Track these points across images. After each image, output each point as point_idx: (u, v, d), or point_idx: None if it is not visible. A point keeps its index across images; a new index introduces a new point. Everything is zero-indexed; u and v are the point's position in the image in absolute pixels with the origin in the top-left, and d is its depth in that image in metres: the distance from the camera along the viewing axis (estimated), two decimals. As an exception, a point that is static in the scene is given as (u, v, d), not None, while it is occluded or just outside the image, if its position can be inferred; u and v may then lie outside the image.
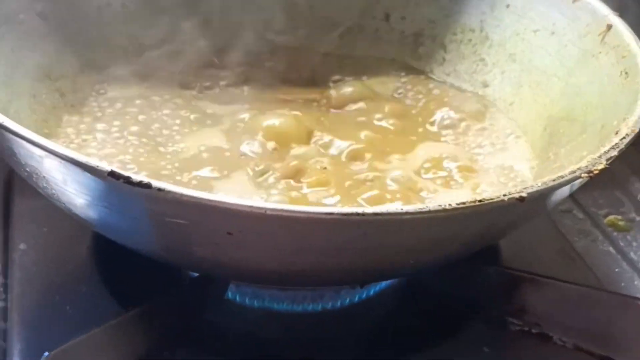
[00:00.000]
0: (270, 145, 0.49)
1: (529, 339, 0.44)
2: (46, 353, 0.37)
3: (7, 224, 0.52)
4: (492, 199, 0.35)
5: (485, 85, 0.55)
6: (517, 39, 0.54)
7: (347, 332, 0.47)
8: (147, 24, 0.55)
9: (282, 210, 0.33)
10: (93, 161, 0.34)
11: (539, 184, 0.36)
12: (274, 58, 0.57)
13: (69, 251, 0.49)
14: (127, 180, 0.33)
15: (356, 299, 0.47)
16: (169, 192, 0.33)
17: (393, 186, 0.46)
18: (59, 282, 0.47)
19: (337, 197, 0.45)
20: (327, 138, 0.50)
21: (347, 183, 0.46)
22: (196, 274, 0.46)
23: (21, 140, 0.35)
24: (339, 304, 0.47)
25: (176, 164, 0.47)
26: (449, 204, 0.34)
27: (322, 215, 0.33)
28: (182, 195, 0.33)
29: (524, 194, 0.35)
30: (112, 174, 0.33)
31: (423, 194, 0.46)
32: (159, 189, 0.33)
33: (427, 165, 0.48)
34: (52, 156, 0.34)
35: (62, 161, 0.34)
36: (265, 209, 0.33)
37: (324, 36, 0.58)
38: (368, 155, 0.48)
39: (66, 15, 0.52)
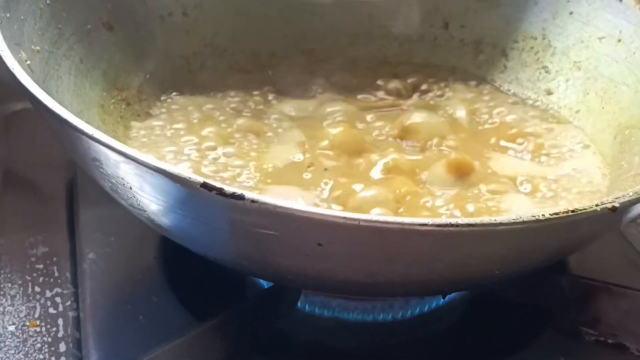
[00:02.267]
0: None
1: (605, 349, 0.44)
2: (130, 364, 0.37)
3: (72, 233, 0.52)
4: (584, 209, 0.34)
5: (549, 93, 0.55)
6: (582, 46, 0.53)
7: (417, 342, 0.46)
8: (209, 33, 0.55)
9: (375, 221, 0.33)
10: (185, 172, 0.34)
11: (631, 194, 0.36)
12: (339, 68, 0.57)
13: (137, 260, 0.49)
14: (220, 191, 0.33)
15: (426, 308, 0.47)
16: (262, 203, 0.33)
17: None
18: (130, 291, 0.47)
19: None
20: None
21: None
22: (268, 284, 0.46)
23: (110, 151, 0.35)
24: (408, 313, 0.46)
25: (245, 171, 0.47)
26: (542, 215, 0.34)
27: (416, 227, 0.33)
28: (275, 206, 0.33)
29: (616, 204, 0.35)
30: (205, 185, 0.33)
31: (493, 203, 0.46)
32: (252, 200, 0.33)
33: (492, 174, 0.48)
34: (141, 167, 0.34)
35: (152, 172, 0.34)
36: (359, 220, 0.33)
37: (383, 45, 0.58)
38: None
39: (130, 25, 0.52)
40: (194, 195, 0.34)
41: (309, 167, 0.48)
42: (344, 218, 0.33)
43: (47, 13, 0.46)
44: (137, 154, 0.34)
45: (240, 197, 0.33)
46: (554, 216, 0.34)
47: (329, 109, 0.53)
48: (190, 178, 0.33)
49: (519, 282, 0.45)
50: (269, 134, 0.51)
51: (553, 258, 0.40)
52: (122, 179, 0.36)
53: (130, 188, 0.36)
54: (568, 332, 0.45)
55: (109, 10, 0.51)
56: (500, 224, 0.33)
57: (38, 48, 0.44)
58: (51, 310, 0.46)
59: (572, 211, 0.34)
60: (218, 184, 0.33)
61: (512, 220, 0.33)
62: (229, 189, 0.33)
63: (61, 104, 0.42)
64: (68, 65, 0.46)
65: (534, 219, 0.34)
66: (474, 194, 0.46)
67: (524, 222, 0.33)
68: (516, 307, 0.46)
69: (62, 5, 0.47)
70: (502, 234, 0.34)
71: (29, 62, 0.42)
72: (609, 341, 0.44)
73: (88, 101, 0.47)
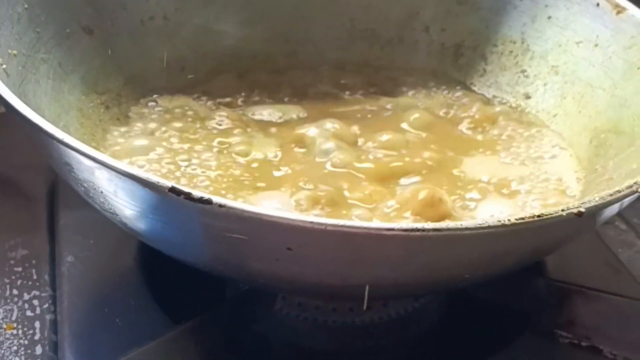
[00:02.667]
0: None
1: (579, 351, 0.44)
2: (104, 367, 0.37)
3: (52, 236, 0.52)
4: (550, 214, 0.35)
5: (528, 97, 0.55)
6: (560, 50, 0.54)
7: (395, 344, 0.47)
8: (190, 36, 0.56)
9: (343, 225, 0.33)
10: (153, 177, 0.34)
11: (597, 199, 0.36)
12: (320, 71, 0.57)
13: (116, 263, 0.49)
14: (188, 196, 0.33)
15: (402, 310, 0.47)
16: (230, 208, 0.33)
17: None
18: (108, 294, 0.47)
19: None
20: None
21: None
22: (244, 286, 0.46)
23: (81, 156, 0.35)
24: (385, 315, 0.47)
25: (225, 175, 0.47)
26: (508, 220, 0.34)
27: (383, 231, 0.33)
28: (243, 211, 0.33)
29: (582, 209, 0.35)
30: (173, 189, 0.33)
31: (472, 205, 0.46)
32: (220, 205, 0.33)
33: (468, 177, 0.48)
34: (111, 172, 0.35)
35: (121, 177, 0.34)
36: (326, 225, 0.33)
37: (365, 48, 0.59)
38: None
39: (110, 29, 0.52)
40: (164, 200, 0.34)
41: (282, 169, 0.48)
42: (311, 222, 0.33)
43: (25, 17, 0.46)
44: (106, 158, 0.34)
45: (208, 202, 0.33)
46: (520, 221, 0.34)
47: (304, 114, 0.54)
48: (158, 183, 0.34)
49: (497, 285, 0.46)
50: (251, 137, 0.52)
51: (524, 261, 0.40)
52: (94, 183, 0.36)
53: (102, 192, 0.37)
54: (544, 335, 0.45)
55: (88, 14, 0.51)
56: (467, 228, 0.34)
57: (15, 52, 0.44)
58: (28, 313, 0.46)
59: (538, 216, 0.34)
60: (186, 189, 0.33)
61: (478, 225, 0.34)
62: (197, 193, 0.33)
63: (38, 108, 0.43)
64: (46, 69, 0.47)
65: (499, 224, 0.34)
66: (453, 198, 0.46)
67: (489, 227, 0.34)
68: (494, 310, 0.47)
69: (40, 10, 0.47)
70: (468, 238, 0.34)
71: (4, 66, 0.42)
72: (583, 344, 0.44)
73: (66, 105, 0.48)
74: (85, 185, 0.37)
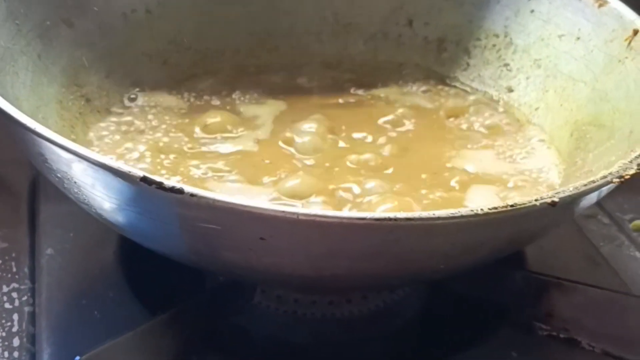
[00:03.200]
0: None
1: (557, 343, 0.44)
2: (77, 357, 0.37)
3: (33, 229, 0.52)
4: (523, 203, 0.34)
5: (510, 90, 0.55)
6: (542, 44, 0.54)
7: (373, 336, 0.46)
8: (172, 30, 0.56)
9: (314, 215, 0.33)
10: (125, 166, 0.34)
11: (571, 189, 0.36)
12: (303, 66, 0.57)
13: (95, 256, 0.49)
14: (160, 185, 0.33)
15: (382, 303, 0.47)
16: (202, 197, 0.33)
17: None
18: (87, 286, 0.47)
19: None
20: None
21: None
22: (223, 279, 0.46)
23: (53, 146, 0.35)
24: (365, 308, 0.47)
25: (205, 169, 0.47)
26: (481, 209, 0.34)
27: (355, 220, 0.33)
28: (214, 200, 0.33)
29: (555, 199, 0.35)
30: (145, 179, 0.33)
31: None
32: (192, 194, 0.33)
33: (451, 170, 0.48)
34: (83, 162, 0.34)
35: (94, 167, 0.34)
36: (298, 214, 0.33)
37: (348, 42, 0.59)
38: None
39: (92, 22, 0.52)
40: (136, 190, 0.34)
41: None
42: (283, 212, 0.33)
43: (4, 9, 0.46)
44: (77, 147, 0.34)
45: (180, 191, 0.33)
46: (493, 211, 0.34)
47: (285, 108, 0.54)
48: (130, 172, 0.33)
49: (475, 278, 0.46)
50: (231, 133, 0.52)
51: (500, 252, 0.40)
52: (67, 173, 0.36)
53: (76, 183, 0.37)
54: (521, 327, 0.45)
55: (69, 6, 0.50)
56: (439, 218, 0.33)
57: (-7, 43, 0.44)
58: (7, 305, 0.46)
59: (511, 206, 0.34)
60: (158, 178, 0.33)
61: (451, 215, 0.34)
62: (168, 182, 0.33)
63: (16, 99, 0.43)
64: (25, 61, 0.46)
65: (472, 213, 0.34)
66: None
67: (462, 217, 0.34)
68: (472, 303, 0.47)
69: (19, 2, 0.47)
70: (441, 228, 0.34)
71: (-19, 57, 0.42)
72: (561, 336, 0.44)
73: (45, 97, 0.47)
74: (59, 175, 0.37)
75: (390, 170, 0.48)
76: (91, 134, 0.49)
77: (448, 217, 0.34)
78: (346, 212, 0.33)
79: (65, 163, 0.35)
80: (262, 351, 0.45)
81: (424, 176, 0.48)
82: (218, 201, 0.33)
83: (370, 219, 0.33)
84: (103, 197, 0.36)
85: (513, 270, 0.47)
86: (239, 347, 0.45)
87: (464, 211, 0.34)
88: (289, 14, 0.58)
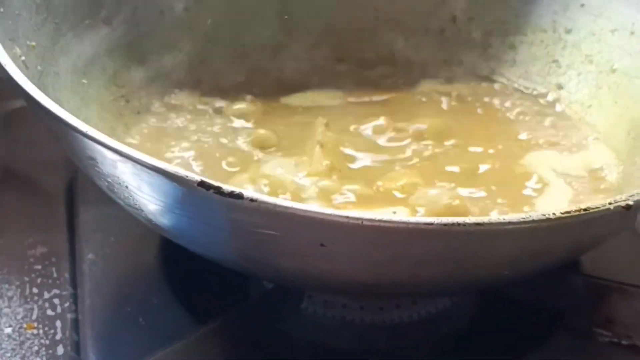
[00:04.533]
0: None
1: (620, 350, 0.43)
2: (129, 368, 0.36)
3: (72, 233, 0.51)
4: (597, 207, 0.33)
5: (560, 87, 0.53)
6: (593, 39, 0.52)
7: (425, 344, 0.45)
8: (211, 28, 0.54)
9: (379, 220, 0.32)
10: (181, 171, 0.32)
11: (646, 192, 0.34)
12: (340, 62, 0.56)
13: (137, 261, 0.48)
14: (218, 190, 0.32)
15: (433, 309, 0.45)
16: (262, 202, 0.32)
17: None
18: (130, 292, 0.46)
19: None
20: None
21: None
22: (269, 285, 0.45)
23: (107, 149, 0.33)
24: (415, 314, 0.45)
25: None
26: (553, 213, 0.32)
27: (422, 226, 0.32)
28: (275, 206, 0.32)
29: (630, 202, 0.33)
30: (202, 183, 0.32)
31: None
32: (252, 199, 0.32)
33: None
34: (137, 166, 0.33)
35: (149, 171, 0.33)
36: (362, 220, 0.32)
37: (389, 39, 0.57)
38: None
39: (130, 21, 0.51)
40: (191, 194, 0.33)
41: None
42: (347, 217, 0.32)
43: (43, 8, 0.45)
44: (132, 151, 0.33)
45: (239, 196, 0.32)
46: (565, 215, 0.32)
47: (331, 102, 0.52)
48: (187, 176, 0.32)
49: (530, 283, 0.44)
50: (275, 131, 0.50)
51: (565, 259, 0.39)
52: (118, 177, 0.35)
53: (127, 187, 0.35)
54: (581, 334, 0.44)
55: (107, 5, 0.49)
56: (510, 222, 0.32)
57: (34, 44, 0.43)
58: (49, 312, 0.45)
59: (584, 210, 0.33)
60: (216, 183, 0.32)
61: (522, 219, 0.32)
62: (227, 187, 0.32)
63: (58, 101, 0.41)
64: (65, 62, 0.45)
65: (544, 217, 0.32)
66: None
67: (534, 222, 0.32)
68: (527, 308, 0.45)
69: (59, 1, 0.46)
70: (511, 233, 0.33)
71: (23, 57, 0.41)
72: (623, 342, 0.43)
73: (86, 98, 0.46)
74: (110, 180, 0.36)
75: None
76: (132, 135, 0.48)
77: (519, 221, 0.32)
78: (413, 218, 0.32)
79: (117, 167, 0.34)
80: (310, 357, 0.44)
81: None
82: (279, 206, 0.32)
83: (438, 224, 0.32)
84: (154, 202, 0.35)
85: (570, 274, 0.45)
86: (288, 354, 0.44)
87: (535, 215, 0.32)
88: (328, 10, 0.57)
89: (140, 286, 0.47)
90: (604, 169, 0.47)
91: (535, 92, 0.54)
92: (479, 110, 0.53)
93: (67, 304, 0.46)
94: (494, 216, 0.32)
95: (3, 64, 0.37)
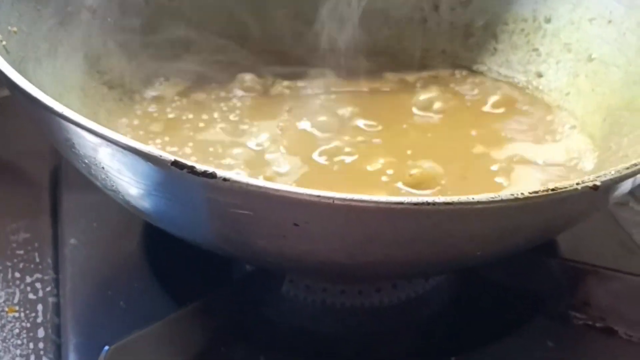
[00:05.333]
0: None
1: (594, 333, 0.43)
2: (106, 347, 0.36)
3: (55, 219, 0.51)
4: (565, 187, 0.33)
5: (540, 75, 0.54)
6: (572, 28, 0.53)
7: (404, 327, 0.45)
8: (195, 16, 0.55)
9: (350, 199, 0.32)
10: (155, 150, 0.33)
11: (612, 172, 0.35)
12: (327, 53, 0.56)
13: (119, 246, 0.48)
14: (191, 169, 0.32)
15: (412, 293, 0.46)
16: (235, 182, 0.32)
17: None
18: (111, 277, 0.46)
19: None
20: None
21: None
22: (250, 268, 0.45)
23: (82, 130, 0.34)
24: (395, 297, 0.46)
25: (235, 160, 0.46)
26: (522, 193, 0.33)
27: (392, 205, 0.32)
28: (248, 185, 0.32)
29: (597, 182, 0.34)
30: (176, 163, 0.32)
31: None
32: (224, 179, 0.32)
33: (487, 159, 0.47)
34: (112, 146, 0.33)
35: (123, 151, 0.33)
36: (333, 199, 0.32)
37: (373, 28, 0.57)
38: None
39: (113, 8, 0.51)
40: (166, 175, 0.33)
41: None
42: (318, 197, 0.32)
43: (25, -6, 0.45)
44: (107, 131, 0.33)
45: (212, 176, 0.32)
46: (534, 195, 0.33)
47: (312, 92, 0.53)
48: (161, 156, 0.32)
49: (508, 266, 0.45)
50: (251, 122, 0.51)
51: (537, 239, 0.39)
52: (94, 158, 0.35)
53: (103, 168, 0.36)
54: (557, 317, 0.44)
55: (90, -8, 0.50)
56: (479, 202, 0.32)
57: (15, 29, 0.43)
58: (31, 296, 0.45)
59: (552, 190, 0.33)
60: (189, 162, 0.32)
61: (490, 199, 0.32)
62: (200, 167, 0.32)
63: (40, 86, 0.41)
64: (47, 48, 0.46)
65: (512, 197, 0.33)
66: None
67: (502, 201, 0.32)
68: (506, 292, 0.46)
69: (40, -13, 0.46)
70: (481, 212, 0.33)
71: (4, 42, 0.41)
72: (598, 325, 0.43)
73: (68, 84, 0.47)
74: (87, 161, 0.36)
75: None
76: (114, 122, 0.49)
77: (488, 201, 0.32)
78: (383, 197, 0.32)
79: (93, 148, 0.34)
80: (291, 341, 0.44)
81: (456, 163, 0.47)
82: (251, 185, 0.32)
83: (408, 203, 0.32)
84: (131, 183, 0.35)
85: (547, 258, 0.46)
86: (268, 337, 0.44)
87: (503, 195, 0.33)
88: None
89: (122, 271, 0.47)
90: (580, 154, 0.48)
91: (515, 80, 0.55)
92: (460, 99, 0.53)
93: (48, 288, 0.46)
94: (463, 196, 0.32)
95: (-17, 47, 0.37)
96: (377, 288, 0.45)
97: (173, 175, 0.33)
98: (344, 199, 0.32)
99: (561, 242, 0.49)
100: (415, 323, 0.46)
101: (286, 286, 0.45)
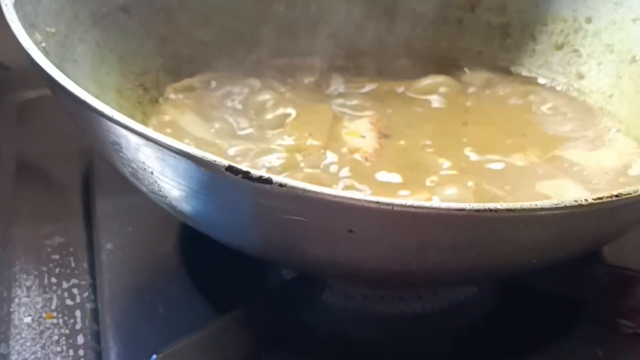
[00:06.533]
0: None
1: (644, 341, 0.42)
2: (154, 356, 0.36)
3: (89, 223, 0.51)
4: (629, 193, 0.33)
5: (581, 77, 0.53)
6: (614, 28, 0.52)
7: (444, 334, 0.45)
8: (227, 16, 0.54)
9: (410, 205, 0.31)
10: (209, 155, 0.32)
11: (677, 177, 0.34)
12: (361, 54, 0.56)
13: (155, 250, 0.48)
14: (246, 175, 0.32)
15: (454, 300, 0.45)
16: (291, 187, 0.31)
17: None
18: (149, 282, 0.46)
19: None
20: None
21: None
22: (289, 274, 0.45)
23: (133, 134, 0.33)
24: (437, 304, 0.45)
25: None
26: (585, 199, 0.32)
27: (453, 211, 0.31)
28: (304, 191, 0.31)
29: (663, 188, 0.33)
30: (230, 168, 0.32)
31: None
32: (281, 184, 0.31)
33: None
34: (165, 150, 0.33)
35: (175, 155, 0.33)
36: (393, 205, 0.31)
37: (407, 29, 0.57)
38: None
39: (147, 8, 0.51)
40: (219, 180, 0.33)
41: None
42: (377, 203, 0.31)
43: (61, -4, 0.44)
44: (158, 135, 0.32)
45: (268, 181, 0.31)
46: (597, 201, 0.32)
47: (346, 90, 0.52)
48: (215, 161, 0.32)
49: (552, 272, 0.44)
50: (289, 119, 0.50)
51: (592, 247, 0.38)
52: (143, 163, 0.35)
53: (152, 173, 0.35)
54: (604, 324, 0.43)
55: (125, -8, 0.49)
56: (542, 209, 0.32)
57: (53, 30, 0.42)
58: (68, 302, 0.45)
59: (616, 196, 0.32)
60: (244, 167, 0.31)
61: (554, 205, 0.32)
62: (255, 172, 0.31)
63: (77, 88, 0.41)
64: (84, 49, 0.45)
65: (576, 204, 0.32)
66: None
67: (566, 207, 0.32)
68: (549, 298, 0.45)
69: (76, -11, 0.46)
70: (542, 219, 0.32)
71: (44, 44, 0.40)
72: (647, 333, 0.42)
73: (105, 86, 0.46)
74: (134, 165, 0.35)
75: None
76: (150, 124, 0.48)
77: (551, 207, 0.32)
78: (444, 203, 0.31)
79: (142, 152, 0.34)
80: (331, 348, 0.44)
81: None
82: (308, 191, 0.31)
83: (470, 209, 0.31)
84: (180, 187, 0.35)
85: (593, 264, 0.44)
86: (308, 344, 0.43)
87: (567, 201, 0.32)
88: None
89: (159, 276, 0.46)
90: (628, 158, 0.47)
91: (555, 82, 0.54)
92: (499, 101, 0.53)
93: (86, 294, 0.45)
94: (526, 203, 0.32)
95: (26, 48, 0.37)
96: (418, 295, 0.44)
97: (226, 180, 0.32)
98: (404, 205, 0.31)
99: (606, 248, 0.48)
100: (456, 330, 0.45)
101: (325, 293, 0.44)
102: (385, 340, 0.44)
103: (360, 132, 0.49)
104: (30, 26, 0.40)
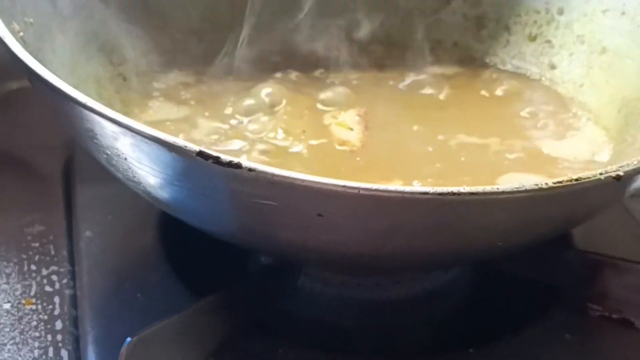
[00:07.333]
0: None
1: (611, 325, 0.43)
2: (129, 338, 0.36)
3: (69, 212, 0.51)
4: (588, 177, 0.33)
5: (553, 67, 0.54)
6: (585, 20, 0.53)
7: (422, 319, 0.46)
8: (207, 7, 0.54)
9: (376, 190, 0.32)
10: (180, 141, 0.33)
11: (635, 162, 0.35)
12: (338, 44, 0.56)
13: (135, 238, 0.48)
14: (216, 160, 0.32)
15: (430, 285, 0.46)
16: (260, 172, 0.32)
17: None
18: (128, 269, 0.46)
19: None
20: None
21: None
22: (267, 260, 0.45)
23: (106, 120, 0.34)
24: (412, 290, 0.46)
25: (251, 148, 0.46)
26: (546, 183, 0.33)
27: (417, 195, 0.32)
28: (273, 175, 0.32)
29: (620, 173, 0.34)
30: (201, 153, 0.32)
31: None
32: (250, 169, 0.32)
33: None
34: (137, 136, 0.33)
35: (147, 141, 0.33)
36: (359, 189, 0.32)
37: (385, 20, 0.57)
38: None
39: (127, -1, 0.51)
40: (190, 165, 0.33)
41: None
42: (344, 187, 0.32)
43: (39, -15, 0.45)
44: (130, 122, 0.33)
45: (237, 166, 0.32)
46: (558, 185, 0.33)
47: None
48: (185, 146, 0.32)
49: (525, 258, 0.45)
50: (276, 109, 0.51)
51: (557, 230, 0.39)
52: (117, 149, 0.35)
53: (126, 159, 0.36)
54: (574, 308, 0.44)
55: (104, -17, 0.50)
56: (503, 192, 0.32)
57: (31, 20, 0.43)
58: (47, 288, 0.45)
59: (576, 180, 0.33)
60: (214, 152, 0.32)
61: (515, 189, 0.32)
62: (225, 157, 0.32)
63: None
64: (62, 39, 0.46)
65: (537, 187, 0.33)
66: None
67: (527, 191, 0.33)
68: (523, 284, 0.46)
69: (55, -22, 0.46)
70: (504, 202, 0.33)
71: (22, 34, 0.41)
72: (614, 317, 0.43)
73: (83, 76, 0.47)
74: (108, 152, 0.36)
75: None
76: (128, 113, 0.48)
77: (513, 191, 0.33)
78: (409, 187, 0.32)
79: (116, 138, 0.34)
80: (308, 334, 0.44)
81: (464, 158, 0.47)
82: (277, 176, 0.32)
83: (434, 193, 0.32)
84: (153, 174, 0.35)
85: (563, 249, 0.45)
86: (285, 330, 0.44)
87: (528, 185, 0.33)
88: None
89: (138, 263, 0.47)
90: (596, 146, 0.48)
91: (528, 72, 0.55)
92: (474, 92, 0.53)
93: (65, 281, 0.46)
94: (488, 187, 0.32)
95: (2, 37, 0.37)
96: (395, 281, 0.45)
97: (197, 166, 0.33)
98: (370, 189, 0.32)
99: (576, 235, 0.49)
100: (432, 316, 0.46)
101: (302, 279, 0.45)
102: (363, 326, 0.45)
103: (348, 123, 0.49)
104: (7, 16, 0.41)
